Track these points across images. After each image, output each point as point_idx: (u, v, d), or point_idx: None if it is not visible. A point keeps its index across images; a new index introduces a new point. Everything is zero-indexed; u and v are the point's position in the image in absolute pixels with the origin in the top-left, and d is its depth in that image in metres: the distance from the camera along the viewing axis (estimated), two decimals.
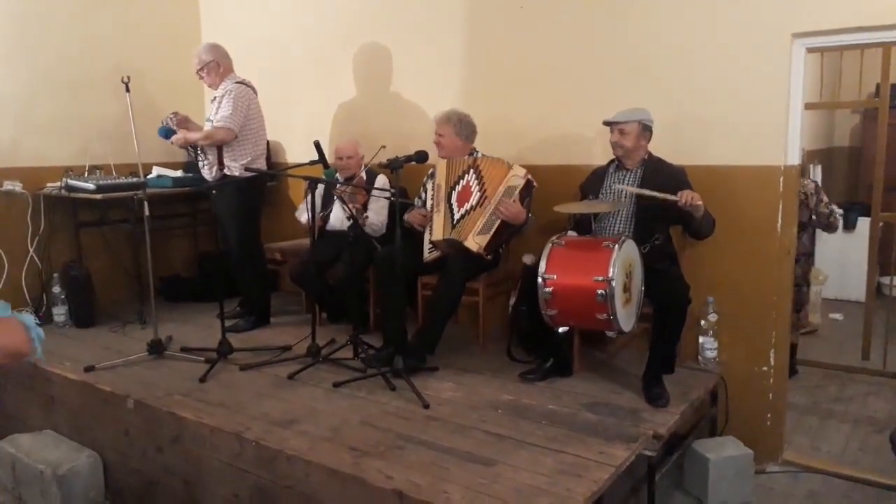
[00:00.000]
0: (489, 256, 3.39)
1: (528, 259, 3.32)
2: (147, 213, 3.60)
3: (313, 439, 2.54)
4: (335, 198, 3.94)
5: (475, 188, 3.43)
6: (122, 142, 4.29)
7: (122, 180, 4.29)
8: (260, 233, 4.28)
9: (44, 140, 4.39)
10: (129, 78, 3.57)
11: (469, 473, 2.28)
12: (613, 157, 3.28)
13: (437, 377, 3.21)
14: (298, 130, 4.77)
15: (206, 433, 2.72)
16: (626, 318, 2.90)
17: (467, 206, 3.42)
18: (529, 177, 3.42)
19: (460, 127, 3.58)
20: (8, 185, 4.14)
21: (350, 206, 3.60)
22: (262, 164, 4.08)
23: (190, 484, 2.81)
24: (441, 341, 3.41)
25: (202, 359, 3.44)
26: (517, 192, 3.36)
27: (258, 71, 4.61)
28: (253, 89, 4.04)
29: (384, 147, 3.76)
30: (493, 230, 3.33)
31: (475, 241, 3.32)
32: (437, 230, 3.43)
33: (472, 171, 3.47)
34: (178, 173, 4.65)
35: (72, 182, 4.16)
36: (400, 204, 3.26)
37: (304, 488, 2.39)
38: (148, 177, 4.41)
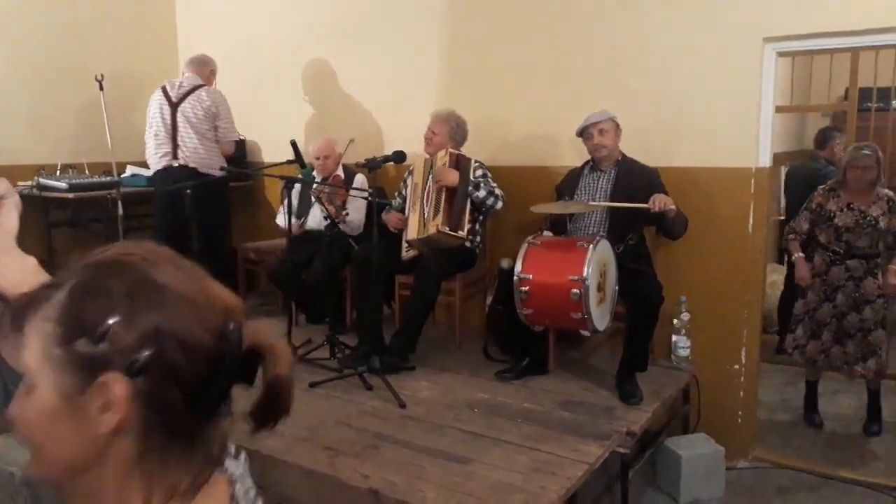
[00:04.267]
0: (460, 232, 3.34)
1: (504, 263, 3.33)
2: (121, 212, 3.56)
3: (289, 440, 2.53)
4: (313, 198, 3.94)
5: (432, 184, 3.46)
6: (95, 140, 4.24)
7: (96, 179, 4.24)
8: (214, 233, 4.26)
9: (15, 138, 4.32)
10: (102, 76, 3.54)
11: (445, 472, 2.29)
12: (588, 158, 3.32)
13: (414, 376, 3.22)
14: (274, 130, 4.75)
15: None
16: (600, 317, 2.94)
17: (431, 201, 3.43)
18: (452, 153, 3.45)
19: (455, 130, 3.62)
20: None
21: (328, 205, 3.60)
22: (152, 164, 4.16)
23: None
24: (418, 341, 3.42)
25: None
26: (445, 164, 3.41)
27: (234, 69, 4.60)
28: (161, 88, 4.12)
29: (352, 141, 3.74)
30: (442, 204, 3.33)
31: (433, 225, 3.31)
32: (412, 230, 3.45)
33: (432, 169, 3.49)
34: (153, 172, 4.60)
35: (44, 181, 4.11)
36: (378, 204, 3.27)
37: (281, 489, 2.39)
38: (122, 176, 4.37)
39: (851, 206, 3.39)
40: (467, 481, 2.23)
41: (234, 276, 4.48)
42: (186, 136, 4.04)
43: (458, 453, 2.43)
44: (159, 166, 4.10)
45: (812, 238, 3.51)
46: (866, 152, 3.37)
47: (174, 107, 4.06)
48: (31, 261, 0.96)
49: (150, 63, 4.80)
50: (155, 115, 4.09)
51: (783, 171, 5.04)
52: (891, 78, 4.50)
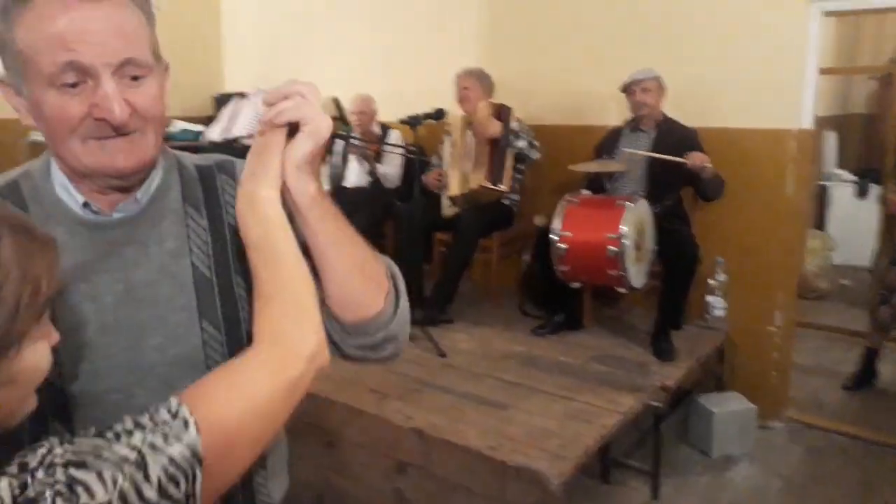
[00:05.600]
0: (501, 186, 3.38)
1: (538, 221, 3.39)
2: None
3: (336, 381, 2.65)
4: (350, 154, 4.04)
5: (470, 138, 3.50)
6: None
7: None
8: None
9: None
10: None
11: (484, 416, 2.39)
12: (629, 118, 3.34)
13: (452, 329, 3.31)
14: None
15: None
16: (636, 274, 2.98)
17: (472, 156, 3.48)
18: (493, 103, 3.49)
19: (484, 81, 3.67)
20: None
21: (364, 152, 3.70)
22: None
23: None
24: (455, 296, 3.51)
25: None
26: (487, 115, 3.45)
27: (276, 27, 4.65)
28: None
29: None
30: (487, 158, 3.37)
31: (475, 180, 3.37)
32: (454, 186, 3.52)
33: (470, 124, 3.54)
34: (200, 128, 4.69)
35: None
36: (420, 162, 3.34)
37: (325, 423, 2.51)
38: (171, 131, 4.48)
39: None
40: (506, 425, 2.33)
41: None
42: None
43: (497, 400, 2.53)
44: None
45: None
46: None
47: None
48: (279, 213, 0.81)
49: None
50: None
51: (828, 135, 4.95)
52: None
